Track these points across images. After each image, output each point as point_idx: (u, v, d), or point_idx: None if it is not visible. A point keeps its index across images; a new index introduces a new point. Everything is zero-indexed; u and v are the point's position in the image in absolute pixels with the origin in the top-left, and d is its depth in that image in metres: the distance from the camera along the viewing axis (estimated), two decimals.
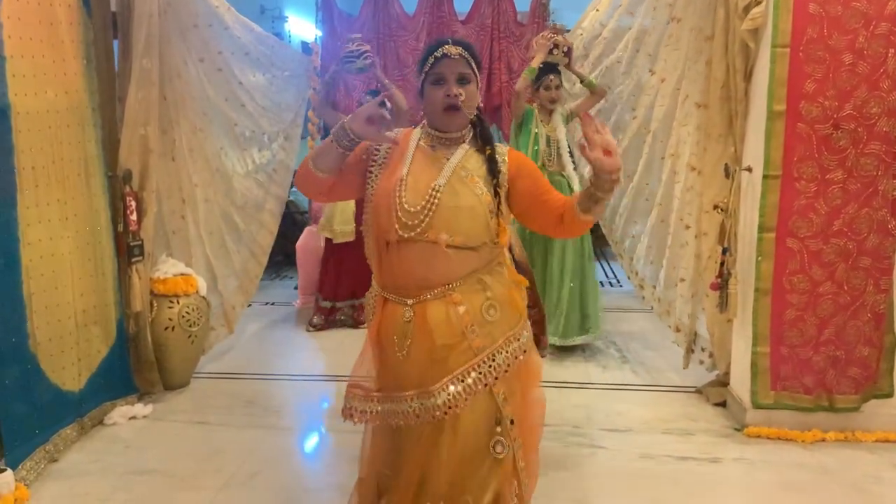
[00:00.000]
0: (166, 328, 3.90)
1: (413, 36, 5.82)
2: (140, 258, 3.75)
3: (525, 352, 1.99)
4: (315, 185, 1.96)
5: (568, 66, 4.34)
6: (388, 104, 1.89)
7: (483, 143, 1.99)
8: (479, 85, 1.99)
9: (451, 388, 1.87)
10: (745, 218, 3.42)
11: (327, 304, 5.25)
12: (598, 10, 4.37)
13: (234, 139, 4.44)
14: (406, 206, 1.88)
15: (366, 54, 4.47)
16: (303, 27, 7.69)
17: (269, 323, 5.46)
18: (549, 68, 4.32)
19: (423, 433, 1.92)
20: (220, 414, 3.72)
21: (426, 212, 1.87)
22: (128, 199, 3.67)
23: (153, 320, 3.88)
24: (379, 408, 1.97)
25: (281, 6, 7.41)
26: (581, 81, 4.37)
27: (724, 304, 3.43)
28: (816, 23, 3.05)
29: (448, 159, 1.95)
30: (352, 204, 4.93)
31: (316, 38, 6.00)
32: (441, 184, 1.89)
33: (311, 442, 3.57)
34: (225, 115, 4.31)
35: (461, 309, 1.90)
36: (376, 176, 1.98)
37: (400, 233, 1.88)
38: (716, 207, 3.46)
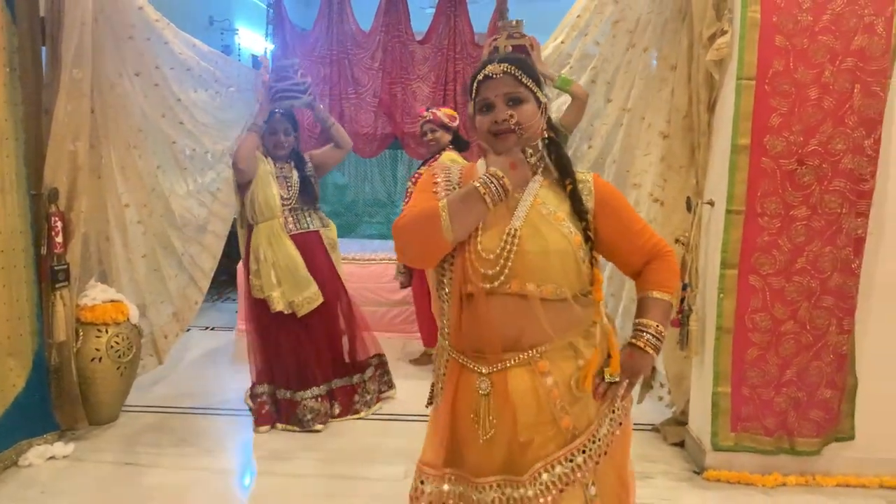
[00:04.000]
0: (93, 359, 3.61)
1: (368, 54, 5.67)
2: (65, 283, 3.46)
3: (620, 424, 1.73)
4: (428, 248, 1.63)
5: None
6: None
7: (560, 174, 1.71)
8: (543, 105, 1.70)
9: (545, 475, 1.60)
10: (706, 253, 3.31)
11: (285, 393, 3.84)
12: (562, 42, 4.16)
13: (172, 157, 4.20)
14: (482, 251, 1.61)
15: (310, 88, 3.93)
16: (253, 40, 7.46)
17: (209, 350, 5.16)
18: None
19: None
20: (150, 454, 3.44)
21: (504, 259, 1.60)
22: (53, 219, 3.39)
23: (79, 350, 3.59)
24: (453, 489, 1.68)
25: (230, 18, 7.16)
26: (553, 84, 3.73)
27: (684, 341, 3.32)
28: (782, 56, 2.97)
29: (521, 196, 1.67)
30: (297, 257, 3.78)
31: (266, 52, 5.80)
32: (517, 226, 1.62)
33: (249, 487, 3.32)
34: (162, 132, 4.08)
35: (549, 380, 1.63)
36: None
37: (480, 284, 1.61)
38: (677, 241, 3.35)
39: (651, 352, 1.69)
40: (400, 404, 4.13)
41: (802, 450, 3.20)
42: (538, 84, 1.69)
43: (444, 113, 4.40)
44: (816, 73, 2.96)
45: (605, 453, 1.67)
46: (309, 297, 3.76)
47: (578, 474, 1.62)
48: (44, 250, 3.38)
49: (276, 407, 3.82)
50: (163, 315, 4.17)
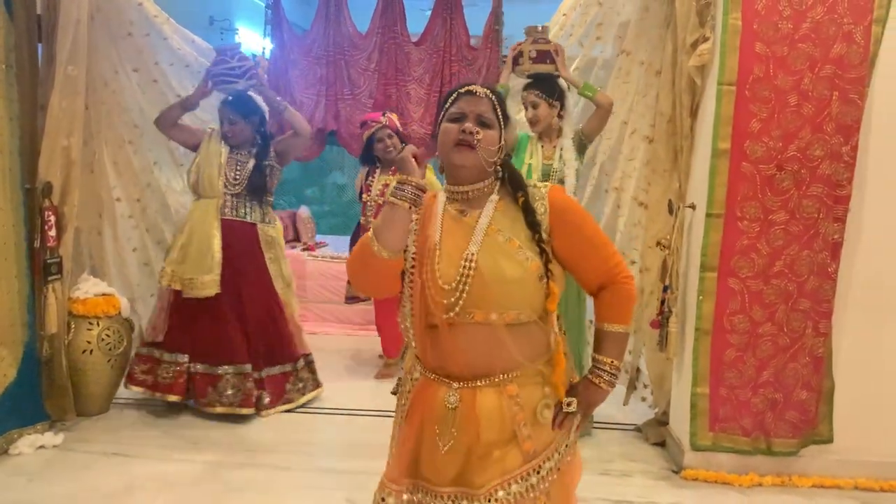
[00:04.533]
0: (84, 351, 3.68)
1: (365, 55, 5.71)
2: (58, 276, 3.52)
3: (574, 453, 1.78)
4: (379, 273, 1.65)
5: (559, 73, 3.56)
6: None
7: (513, 188, 1.71)
8: (503, 139, 1.71)
9: (500, 493, 1.63)
10: (687, 256, 3.37)
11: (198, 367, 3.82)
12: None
13: (168, 153, 4.26)
14: (440, 280, 1.62)
15: (250, 72, 3.80)
16: (253, 39, 7.51)
17: None
18: (535, 81, 3.59)
19: None
20: (137, 445, 3.49)
21: (461, 287, 1.60)
22: (46, 213, 3.45)
23: (70, 343, 3.66)
24: (411, 498, 1.70)
25: (231, 17, 7.23)
26: (577, 90, 3.56)
27: (663, 342, 3.37)
28: (763, 62, 3.02)
29: (477, 221, 1.67)
30: (215, 240, 3.74)
31: (264, 52, 5.86)
32: (473, 252, 1.61)
33: (233, 478, 3.37)
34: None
35: (515, 404, 1.65)
36: (412, 249, 1.69)
37: (441, 315, 1.61)
38: (658, 244, 3.41)
39: (605, 387, 1.74)
40: (393, 399, 4.18)
41: (779, 450, 3.25)
42: (506, 121, 1.73)
43: (396, 118, 4.42)
44: (796, 79, 3.02)
45: (554, 479, 1.70)
46: (204, 281, 3.68)
47: (531, 494, 1.65)
48: (37, 244, 3.44)
49: (192, 382, 3.80)
50: (152, 309, 4.21)
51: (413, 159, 1.60)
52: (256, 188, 3.86)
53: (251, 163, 3.85)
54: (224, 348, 3.80)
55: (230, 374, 3.78)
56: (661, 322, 3.35)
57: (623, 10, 3.75)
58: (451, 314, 1.61)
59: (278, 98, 3.97)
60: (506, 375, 1.66)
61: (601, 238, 1.76)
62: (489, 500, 1.62)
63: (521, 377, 1.67)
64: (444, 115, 1.71)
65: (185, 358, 3.79)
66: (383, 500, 1.72)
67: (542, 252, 1.65)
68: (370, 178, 4.48)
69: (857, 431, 3.24)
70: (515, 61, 3.63)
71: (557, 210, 1.70)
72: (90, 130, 3.74)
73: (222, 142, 3.85)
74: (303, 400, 4.04)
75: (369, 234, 1.62)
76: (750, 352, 3.19)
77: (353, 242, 4.72)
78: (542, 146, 3.60)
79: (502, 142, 1.72)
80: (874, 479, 3.23)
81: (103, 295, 3.78)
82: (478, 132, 1.65)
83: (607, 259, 1.73)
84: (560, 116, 3.57)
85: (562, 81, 3.57)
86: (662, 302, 3.35)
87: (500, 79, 3.76)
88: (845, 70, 2.99)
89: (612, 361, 1.73)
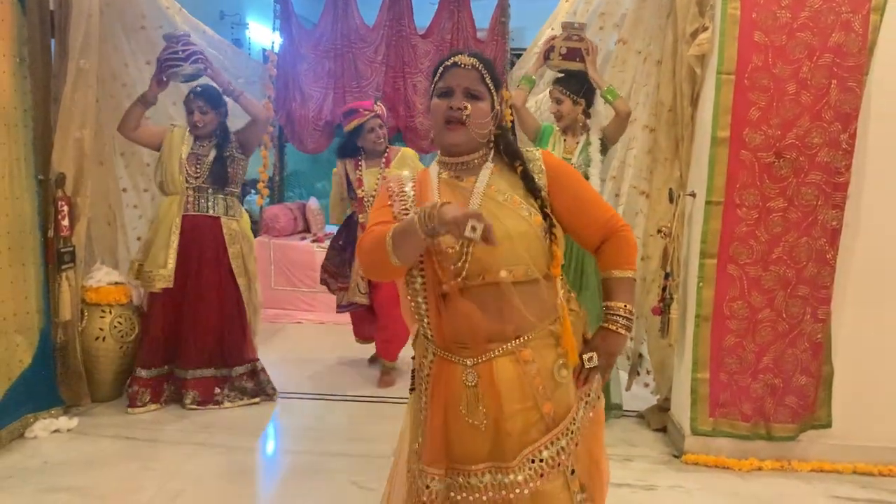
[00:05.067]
0: (97, 338, 3.77)
1: (372, 48, 5.77)
2: (71, 265, 3.61)
3: (594, 407, 1.80)
4: (386, 271, 1.68)
5: (587, 72, 3.55)
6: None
7: (510, 158, 1.74)
8: (497, 107, 1.73)
9: (534, 461, 1.65)
10: (688, 243, 3.41)
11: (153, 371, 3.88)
12: (552, 30, 4.30)
13: None
14: (444, 246, 1.63)
15: (194, 56, 3.74)
16: (263, 34, 7.57)
17: None
18: (563, 77, 3.65)
19: None
20: (150, 429, 3.59)
21: (465, 250, 1.62)
22: (60, 203, 3.53)
23: (83, 330, 3.75)
24: (440, 486, 1.70)
25: (241, 12, 7.31)
26: (600, 92, 3.56)
27: (664, 329, 3.41)
28: (761, 51, 3.05)
29: (473, 184, 1.71)
30: (174, 236, 3.76)
31: (273, 46, 5.92)
32: None
33: (242, 461, 3.45)
34: (171, 118, 4.20)
35: (532, 368, 1.67)
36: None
37: (451, 280, 1.63)
38: (659, 231, 3.45)
39: (624, 332, 1.76)
40: (396, 388, 4.26)
41: (779, 435, 3.29)
42: (497, 87, 1.73)
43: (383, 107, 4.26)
44: (794, 68, 3.04)
45: (586, 429, 1.74)
46: (159, 275, 3.71)
47: (563, 457, 1.68)
48: (51, 233, 3.53)
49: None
50: None
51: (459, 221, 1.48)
52: (218, 179, 3.84)
53: (212, 154, 3.83)
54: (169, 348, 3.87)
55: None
56: (663, 309, 3.39)
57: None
58: (460, 279, 1.63)
59: (232, 85, 3.90)
60: (519, 340, 1.67)
61: (594, 195, 1.83)
62: (523, 470, 1.65)
63: (533, 340, 1.68)
64: (433, 90, 1.73)
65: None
66: (427, 486, 1.71)
67: (546, 215, 1.69)
68: (357, 170, 4.19)
69: (855, 416, 3.28)
70: (546, 55, 3.67)
71: (553, 172, 1.75)
72: (100, 123, 3.82)
73: (187, 133, 3.84)
74: (233, 405, 3.92)
75: (386, 239, 1.58)
76: (749, 338, 3.23)
77: (346, 234, 4.39)
78: (566, 140, 3.65)
79: (495, 109, 1.73)
80: (873, 464, 3.26)
81: (115, 283, 3.87)
82: (466, 107, 1.66)
83: (605, 210, 1.79)
84: (586, 114, 3.61)
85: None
86: (664, 289, 3.39)
87: (528, 69, 3.79)
88: (844, 58, 3.01)
89: (625, 306, 1.76)
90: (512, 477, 1.65)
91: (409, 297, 1.75)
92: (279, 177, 7.00)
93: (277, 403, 3.97)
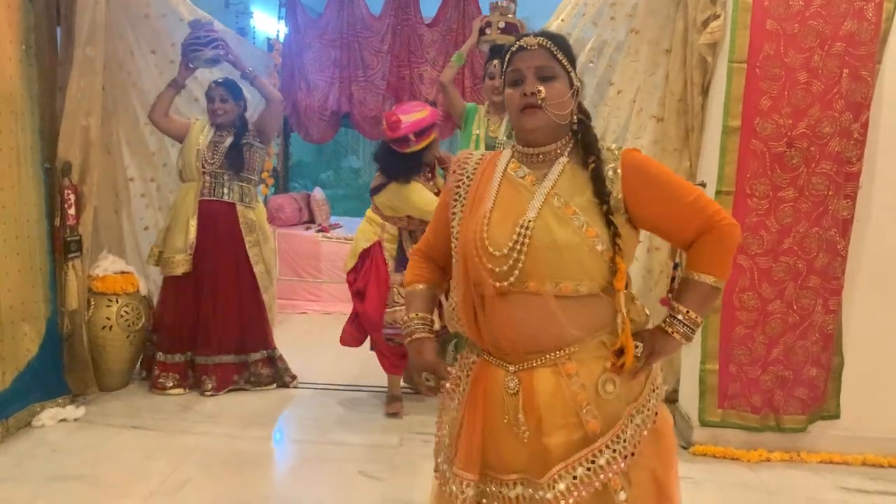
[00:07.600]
0: (104, 327, 3.77)
1: (378, 37, 5.76)
2: (77, 254, 3.61)
3: (654, 422, 1.58)
4: None
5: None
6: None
7: (585, 152, 1.57)
8: (577, 84, 1.59)
9: (564, 479, 1.50)
10: None
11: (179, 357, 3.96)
12: (562, 20, 4.23)
13: None
14: (491, 249, 1.52)
15: (215, 42, 3.81)
16: (268, 23, 7.56)
17: None
18: (496, 52, 3.64)
19: None
20: (156, 418, 3.59)
21: (515, 255, 1.49)
22: (66, 192, 3.53)
23: (90, 319, 3.75)
24: (471, 493, 1.58)
25: (246, 1, 7.27)
26: None
27: None
28: (773, 39, 3.02)
29: (538, 185, 1.56)
30: (191, 221, 3.84)
31: (279, 35, 5.90)
32: (531, 217, 1.50)
33: (249, 450, 3.45)
34: (177, 108, 4.18)
35: (575, 383, 1.52)
36: (459, 215, 1.61)
37: (491, 282, 1.51)
38: None
39: (678, 338, 1.60)
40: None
41: (788, 427, 3.28)
42: (573, 63, 1.59)
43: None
44: (806, 57, 3.01)
45: (633, 454, 1.52)
46: (176, 260, 3.82)
47: (601, 476, 1.50)
48: (57, 222, 3.52)
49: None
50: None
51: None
52: (233, 164, 3.89)
53: (228, 140, 3.89)
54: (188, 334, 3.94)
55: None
56: (671, 299, 3.37)
57: None
58: (505, 283, 1.51)
59: (249, 68, 3.99)
60: (562, 352, 1.53)
61: (688, 189, 1.59)
62: (552, 488, 1.51)
63: (580, 352, 1.53)
64: (504, 80, 1.61)
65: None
66: (463, 492, 1.59)
67: (610, 224, 1.51)
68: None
69: (865, 407, 3.26)
70: (482, 31, 3.75)
71: (630, 172, 1.55)
72: (106, 111, 3.80)
73: (208, 125, 3.92)
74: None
75: (409, 289, 1.78)
76: (759, 329, 3.22)
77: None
78: (489, 119, 3.72)
79: (574, 86, 1.59)
80: (882, 455, 3.25)
81: (122, 273, 3.86)
82: (540, 90, 1.54)
83: (702, 209, 1.56)
84: None
85: None
86: (672, 279, 3.37)
87: (462, 48, 3.88)
88: (855, 47, 2.98)
89: (687, 312, 1.58)
90: (542, 493, 1.52)
91: (451, 299, 1.68)
92: (284, 167, 6.99)
93: (284, 392, 3.97)
